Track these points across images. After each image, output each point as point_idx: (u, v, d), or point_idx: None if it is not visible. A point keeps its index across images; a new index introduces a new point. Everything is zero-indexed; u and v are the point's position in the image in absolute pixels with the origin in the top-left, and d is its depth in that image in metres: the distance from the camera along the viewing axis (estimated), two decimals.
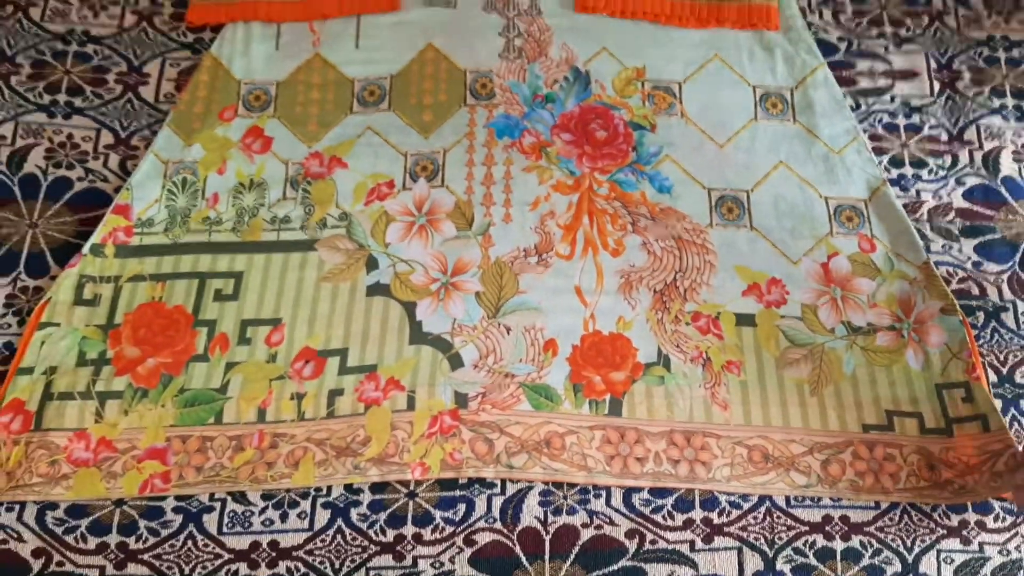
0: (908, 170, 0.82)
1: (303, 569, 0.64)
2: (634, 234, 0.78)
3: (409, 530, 0.65)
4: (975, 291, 0.76)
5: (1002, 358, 0.73)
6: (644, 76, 0.86)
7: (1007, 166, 0.82)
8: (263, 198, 0.78)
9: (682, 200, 0.79)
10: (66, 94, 0.83)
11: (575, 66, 0.86)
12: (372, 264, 0.75)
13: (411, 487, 0.67)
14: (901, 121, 0.84)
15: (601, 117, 0.83)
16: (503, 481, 0.68)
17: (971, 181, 0.81)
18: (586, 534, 0.66)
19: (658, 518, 0.67)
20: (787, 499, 0.68)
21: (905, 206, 0.79)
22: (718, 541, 0.66)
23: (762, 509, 0.67)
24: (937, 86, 0.86)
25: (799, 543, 0.66)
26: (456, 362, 0.71)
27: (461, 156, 0.81)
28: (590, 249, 0.77)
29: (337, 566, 0.64)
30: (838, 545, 0.66)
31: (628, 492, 0.68)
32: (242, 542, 0.64)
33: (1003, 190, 0.81)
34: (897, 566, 0.65)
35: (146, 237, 0.76)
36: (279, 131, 0.82)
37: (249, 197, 0.78)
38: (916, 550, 0.66)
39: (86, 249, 0.74)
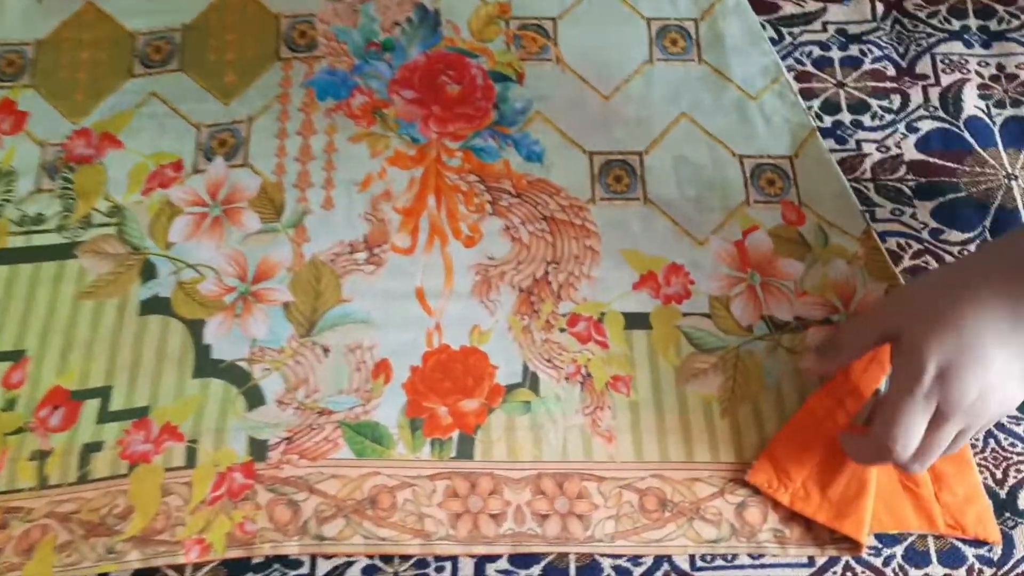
0: (846, 116, 0.66)
1: None
2: (494, 216, 0.61)
3: None
4: (935, 267, 0.60)
5: None
6: (509, 13, 0.69)
7: (971, 104, 0.66)
8: (10, 192, 0.61)
9: (556, 169, 0.63)
10: None
11: (421, 4, 0.69)
12: (149, 272, 0.58)
13: (187, 573, 0.51)
14: (836, 54, 0.68)
15: (454, 67, 0.66)
16: (312, 558, 0.51)
17: (926, 126, 0.65)
18: None
19: None
20: (692, 559, 0.52)
21: (842, 162, 0.63)
22: None
23: (658, 575, 0.51)
24: (880, 7, 0.70)
25: None
26: (255, 398, 0.55)
27: (271, 125, 0.64)
28: (436, 239, 0.60)
29: None
30: None
31: (481, 561, 0.52)
32: None
33: (967, 135, 0.65)
34: None
35: None
36: (37, 104, 0.64)
37: None
38: None
39: None
